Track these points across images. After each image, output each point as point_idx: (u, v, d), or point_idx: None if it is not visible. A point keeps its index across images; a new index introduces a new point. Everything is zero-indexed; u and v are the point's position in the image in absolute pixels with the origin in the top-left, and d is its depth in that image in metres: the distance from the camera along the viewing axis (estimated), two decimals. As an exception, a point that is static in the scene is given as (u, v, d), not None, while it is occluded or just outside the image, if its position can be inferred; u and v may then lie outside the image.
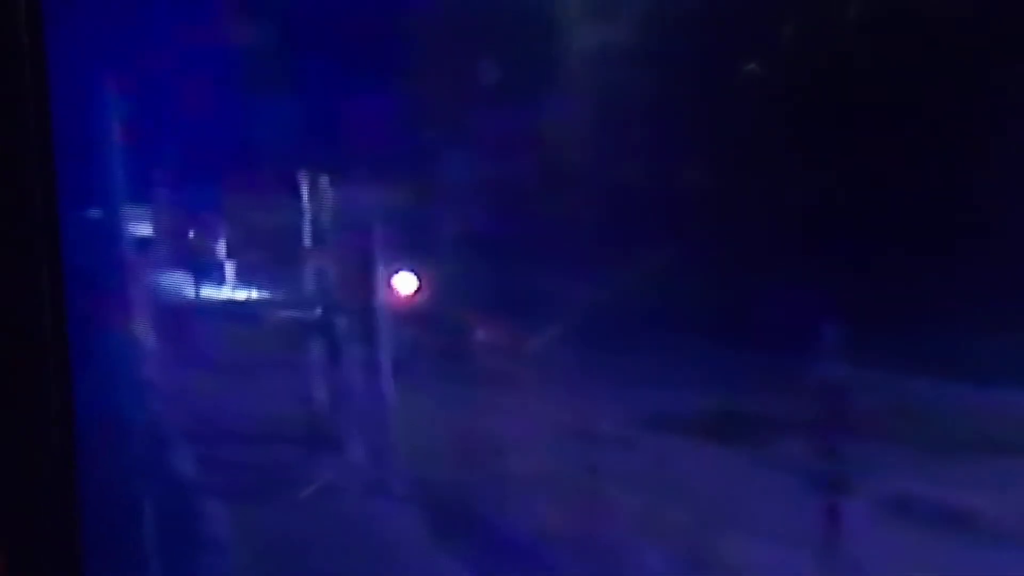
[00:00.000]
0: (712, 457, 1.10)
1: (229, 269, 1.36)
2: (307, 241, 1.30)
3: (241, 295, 1.36)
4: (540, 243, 1.17)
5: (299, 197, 1.30)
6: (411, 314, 1.26)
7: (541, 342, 1.19)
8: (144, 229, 1.37)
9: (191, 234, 1.37)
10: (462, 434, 1.23)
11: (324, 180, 1.29)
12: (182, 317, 1.39)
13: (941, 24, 0.97)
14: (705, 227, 1.09)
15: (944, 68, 0.98)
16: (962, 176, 0.99)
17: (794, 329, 1.05)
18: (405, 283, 1.26)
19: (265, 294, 1.36)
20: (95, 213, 1.37)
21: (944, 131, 0.98)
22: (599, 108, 1.14)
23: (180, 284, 1.39)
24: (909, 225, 1.02)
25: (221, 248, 1.36)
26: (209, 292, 1.37)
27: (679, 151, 1.09)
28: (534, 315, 1.19)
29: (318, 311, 1.32)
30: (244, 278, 1.36)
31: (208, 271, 1.37)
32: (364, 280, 1.28)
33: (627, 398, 1.14)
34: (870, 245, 1.02)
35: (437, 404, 1.25)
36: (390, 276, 1.27)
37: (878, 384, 1.04)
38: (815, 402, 1.06)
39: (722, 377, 1.09)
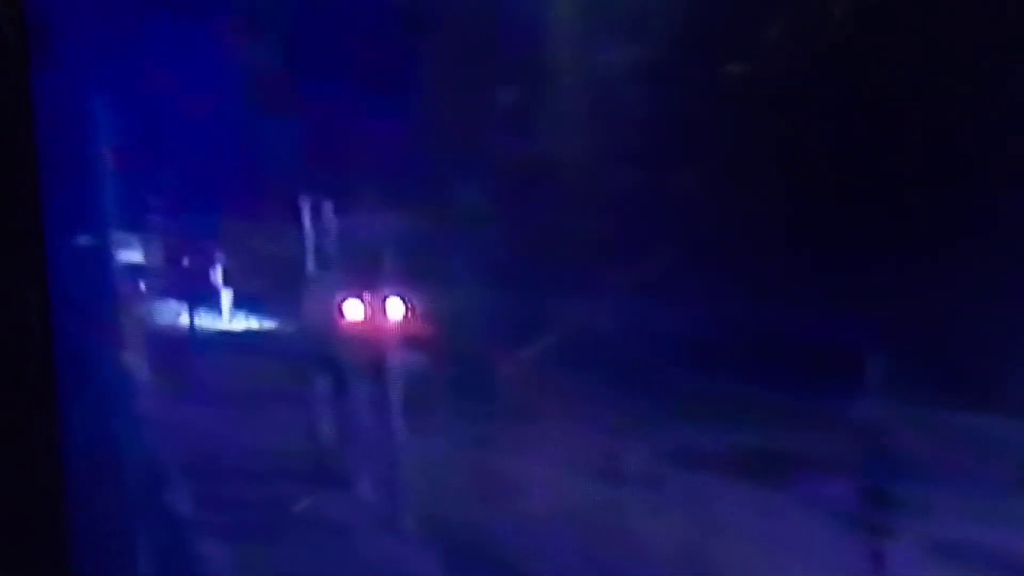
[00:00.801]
0: (746, 497, 1.06)
1: (226, 297, 1.32)
2: (308, 268, 1.27)
3: (239, 324, 1.32)
4: (560, 272, 1.13)
5: (299, 221, 1.26)
6: (421, 345, 1.22)
7: (561, 375, 1.14)
8: (136, 255, 1.34)
9: (186, 260, 1.33)
10: (476, 471, 1.18)
11: (325, 204, 1.25)
12: (177, 348, 1.34)
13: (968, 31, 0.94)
14: (738, 256, 1.05)
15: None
16: (1014, 205, 0.95)
17: (834, 362, 1.01)
18: (394, 309, 1.22)
19: (264, 323, 1.32)
20: (84, 238, 1.34)
21: (1002, 150, 0.94)
22: (621, 130, 1.09)
23: (175, 313, 1.35)
24: (955, 253, 0.98)
25: (218, 275, 1.32)
26: (205, 321, 1.33)
27: (709, 177, 1.05)
28: (553, 347, 1.14)
29: (319, 341, 1.28)
30: (242, 306, 1.32)
31: (204, 299, 1.33)
32: (367, 309, 1.25)
33: (654, 434, 1.10)
34: (914, 274, 0.98)
35: (449, 440, 1.20)
36: (387, 303, 1.23)
37: (923, 420, 1.00)
38: (857, 439, 1.01)
39: (756, 412, 1.04)
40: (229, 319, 1.32)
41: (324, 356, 1.27)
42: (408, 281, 1.22)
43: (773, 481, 1.04)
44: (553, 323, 1.13)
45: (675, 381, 1.08)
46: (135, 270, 1.34)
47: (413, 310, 1.22)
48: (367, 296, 1.24)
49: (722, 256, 1.05)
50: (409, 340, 1.21)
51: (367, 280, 1.23)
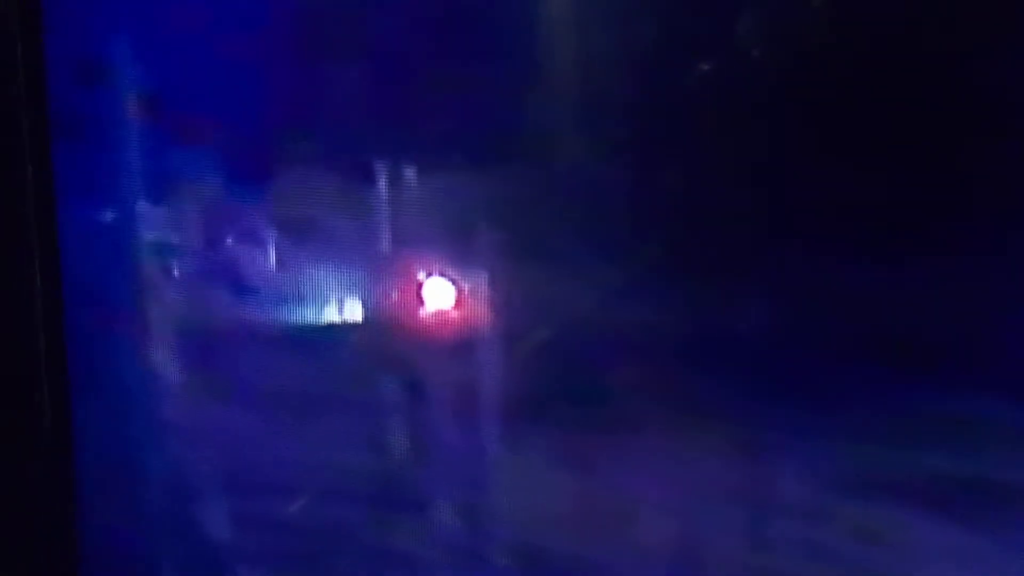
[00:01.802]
0: (943, 539, 0.90)
1: (274, 281, 1.21)
2: (377, 245, 1.15)
3: (289, 314, 1.22)
4: (707, 255, 0.98)
5: (365, 188, 1.14)
6: (517, 340, 1.08)
7: (696, 378, 0.99)
8: (165, 231, 1.25)
9: (226, 237, 1.23)
10: (585, 495, 1.05)
11: (398, 167, 1.13)
12: (213, 342, 1.24)
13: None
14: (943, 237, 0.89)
15: None
16: None
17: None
18: (482, 296, 1.11)
19: (322, 312, 1.21)
20: (103, 211, 1.26)
21: None
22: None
23: (211, 300, 1.24)
24: None
25: (264, 255, 1.21)
26: (247, 310, 1.23)
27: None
28: (689, 343, 0.99)
29: (390, 335, 1.16)
30: (294, 292, 1.21)
31: (246, 283, 1.22)
32: (451, 295, 1.12)
33: (820, 456, 0.94)
34: None
35: (552, 457, 1.07)
36: (474, 289, 1.11)
37: None
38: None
39: (964, 430, 0.88)
40: (276, 308, 1.22)
41: (396, 352, 1.15)
42: (502, 264, 1.09)
43: (983, 519, 0.89)
44: (692, 315, 0.98)
45: (848, 389, 0.92)
46: (163, 249, 1.26)
47: (506, 298, 1.09)
48: (450, 280, 1.12)
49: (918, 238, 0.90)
50: (502, 334, 1.09)
51: (450, 262, 1.12)
